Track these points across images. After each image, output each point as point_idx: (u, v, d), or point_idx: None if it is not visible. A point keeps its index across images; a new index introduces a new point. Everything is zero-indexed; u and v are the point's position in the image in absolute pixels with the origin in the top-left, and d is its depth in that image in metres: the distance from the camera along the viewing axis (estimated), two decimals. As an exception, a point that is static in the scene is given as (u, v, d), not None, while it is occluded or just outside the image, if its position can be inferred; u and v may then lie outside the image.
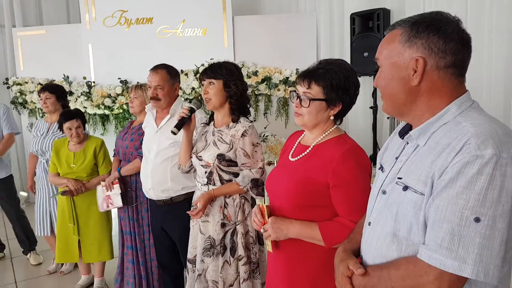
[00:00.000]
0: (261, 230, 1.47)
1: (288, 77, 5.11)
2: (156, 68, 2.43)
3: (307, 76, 1.42)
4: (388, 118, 3.55)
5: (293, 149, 1.55)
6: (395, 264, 1.00)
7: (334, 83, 1.40)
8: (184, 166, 2.19)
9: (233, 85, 2.02)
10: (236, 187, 2.03)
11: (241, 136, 2.00)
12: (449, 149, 0.92)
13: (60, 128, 2.88)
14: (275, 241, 1.49)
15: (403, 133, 1.10)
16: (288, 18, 5.33)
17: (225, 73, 2.03)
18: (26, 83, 5.38)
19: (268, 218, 1.46)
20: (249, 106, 2.13)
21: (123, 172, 2.74)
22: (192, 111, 2.08)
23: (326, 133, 1.47)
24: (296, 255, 1.46)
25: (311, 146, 1.47)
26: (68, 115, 2.85)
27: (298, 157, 1.49)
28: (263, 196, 2.05)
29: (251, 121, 2.09)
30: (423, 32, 0.98)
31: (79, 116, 2.88)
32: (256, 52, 5.20)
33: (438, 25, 0.97)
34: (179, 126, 2.04)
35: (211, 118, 2.18)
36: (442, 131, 0.97)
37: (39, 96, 3.32)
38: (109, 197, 2.75)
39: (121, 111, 5.32)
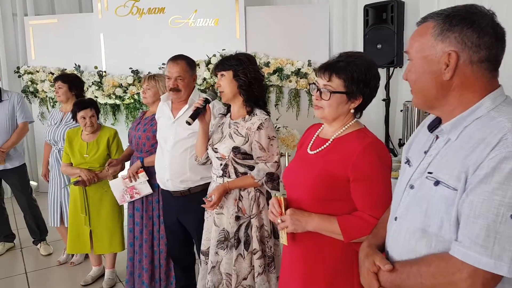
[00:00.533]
0: (278, 221, 1.45)
1: (300, 69, 5.07)
2: (176, 59, 2.40)
3: (328, 68, 1.40)
4: (401, 111, 3.51)
5: (311, 142, 1.53)
6: (426, 260, 0.98)
7: (355, 76, 1.38)
8: (200, 158, 2.18)
9: (241, 74, 2.00)
10: (251, 180, 2.02)
11: (257, 129, 1.98)
12: (484, 144, 0.90)
13: (74, 117, 2.88)
14: (292, 234, 1.47)
15: (432, 127, 1.08)
16: (300, 9, 5.28)
17: (234, 63, 2.02)
18: (37, 72, 5.40)
19: (285, 210, 1.44)
20: (265, 96, 2.11)
21: (146, 163, 2.71)
22: (207, 101, 2.07)
23: (346, 127, 1.45)
24: (313, 249, 1.45)
25: (331, 139, 1.45)
26: (82, 104, 2.84)
27: (317, 150, 1.47)
28: (278, 190, 2.04)
29: (268, 114, 2.06)
30: (457, 26, 0.95)
31: (93, 105, 2.87)
32: (268, 43, 5.17)
33: (472, 18, 0.94)
34: (194, 116, 2.04)
35: (228, 109, 2.17)
36: (476, 125, 0.95)
37: (54, 85, 3.32)
38: (134, 187, 2.72)
39: (132, 101, 5.32)
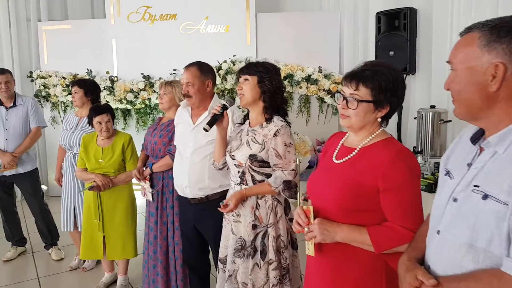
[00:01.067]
0: (305, 230, 1.43)
1: (310, 75, 5.09)
2: (188, 66, 2.44)
3: (354, 77, 1.39)
4: (415, 118, 3.50)
5: (336, 150, 1.52)
6: (475, 276, 0.96)
7: (383, 84, 1.37)
8: (217, 163, 2.19)
9: (267, 81, 2.01)
10: (268, 188, 2.00)
11: (273, 136, 1.97)
12: None
13: (90, 122, 2.90)
14: (318, 245, 1.45)
15: (475, 139, 1.06)
16: (311, 16, 5.30)
17: (260, 70, 2.03)
18: (50, 76, 5.45)
19: (313, 220, 1.43)
20: (285, 106, 2.10)
21: (155, 169, 2.74)
22: (224, 108, 2.08)
23: (373, 135, 1.44)
24: (341, 260, 1.43)
25: (358, 148, 1.44)
26: (98, 109, 2.86)
27: (344, 159, 1.46)
28: (296, 198, 2.02)
29: (286, 121, 2.05)
30: (505, 37, 0.94)
31: (109, 110, 2.89)
32: (278, 50, 5.19)
33: None
34: (211, 123, 2.05)
35: (246, 116, 2.16)
36: None
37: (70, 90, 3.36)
38: (144, 188, 2.80)
39: (142, 106, 5.35)
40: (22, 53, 5.61)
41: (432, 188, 2.69)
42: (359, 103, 1.38)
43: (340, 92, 1.45)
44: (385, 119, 1.46)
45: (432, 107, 3.40)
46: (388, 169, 1.33)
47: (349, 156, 1.45)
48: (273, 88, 2.01)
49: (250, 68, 2.05)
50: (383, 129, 1.47)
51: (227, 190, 2.25)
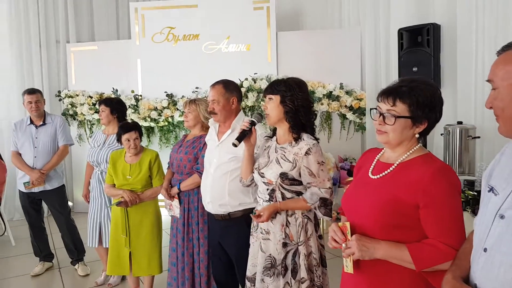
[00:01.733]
0: (342, 247, 1.41)
1: (331, 91, 5.09)
2: (214, 84, 2.49)
3: (391, 93, 1.40)
4: (441, 134, 3.44)
5: (372, 166, 1.51)
6: None
7: (420, 100, 1.37)
8: (245, 180, 2.18)
9: (289, 101, 2.00)
10: (303, 203, 1.98)
11: (305, 155, 1.95)
12: None
13: (119, 139, 2.96)
14: (356, 262, 1.42)
15: None
16: (331, 33, 5.34)
17: (283, 88, 2.02)
18: (77, 95, 5.60)
19: (350, 236, 1.41)
20: (313, 122, 2.10)
21: (183, 187, 2.77)
22: (253, 124, 2.08)
23: (411, 151, 1.43)
24: (380, 277, 1.40)
25: (396, 164, 1.43)
26: (127, 127, 2.92)
27: (381, 174, 1.44)
28: (331, 216, 2.00)
29: (316, 139, 2.04)
30: None
31: (137, 128, 2.95)
32: (299, 67, 5.21)
33: None
34: (240, 138, 2.05)
35: (274, 132, 2.17)
36: None
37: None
38: (172, 205, 2.85)
39: (166, 123, 5.44)
40: (51, 73, 5.81)
41: (463, 205, 2.64)
42: (397, 119, 1.38)
43: (376, 109, 1.45)
44: (423, 135, 1.45)
45: (459, 123, 3.34)
46: (428, 184, 1.32)
47: (386, 171, 1.44)
48: (295, 107, 2.00)
49: (273, 87, 2.05)
50: (421, 145, 1.46)
51: (249, 208, 2.25)
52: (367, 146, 4.97)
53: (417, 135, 1.42)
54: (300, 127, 2.03)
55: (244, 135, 2.06)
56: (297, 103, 2.01)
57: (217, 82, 2.50)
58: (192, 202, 2.80)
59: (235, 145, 2.04)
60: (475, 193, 2.63)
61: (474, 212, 2.53)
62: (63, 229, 3.80)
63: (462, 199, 2.67)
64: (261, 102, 4.92)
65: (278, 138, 2.11)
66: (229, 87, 2.49)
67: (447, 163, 3.33)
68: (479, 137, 3.26)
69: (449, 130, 3.29)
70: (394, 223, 1.36)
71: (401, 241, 1.35)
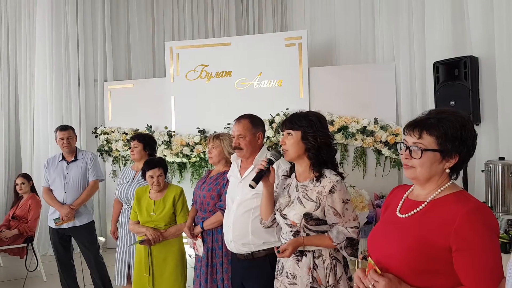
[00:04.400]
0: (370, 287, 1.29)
1: (365, 126, 4.96)
2: (240, 118, 2.44)
3: (417, 125, 1.31)
4: (482, 171, 3.22)
5: (400, 204, 1.39)
6: None
7: (449, 132, 1.27)
8: (266, 221, 2.07)
9: (311, 137, 1.89)
10: (328, 241, 1.85)
11: (329, 193, 1.83)
12: None
13: (143, 175, 2.95)
14: None
15: None
16: (365, 68, 5.27)
17: (304, 124, 1.91)
18: (113, 132, 5.75)
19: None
20: (334, 158, 1.98)
21: (206, 226, 2.70)
22: (270, 162, 1.98)
23: (442, 188, 1.31)
24: None
25: (427, 201, 1.31)
26: (151, 163, 2.92)
27: (410, 213, 1.33)
28: (357, 257, 1.86)
29: (340, 174, 1.92)
30: None
31: (161, 165, 2.93)
32: (331, 102, 5.16)
33: None
34: (257, 179, 1.94)
35: (292, 169, 2.05)
36: None
37: (130, 143, 3.48)
38: (195, 244, 2.78)
39: (198, 159, 5.45)
40: (88, 110, 6.03)
41: (506, 247, 2.41)
42: (424, 152, 1.28)
43: (402, 142, 1.35)
44: (455, 170, 1.33)
45: (501, 158, 3.13)
46: (461, 226, 1.19)
47: (416, 210, 1.33)
48: (317, 145, 1.90)
49: (293, 122, 1.94)
50: (453, 182, 1.34)
51: (273, 248, 2.13)
52: (404, 182, 4.75)
53: (447, 171, 1.31)
54: (322, 164, 1.92)
55: (262, 175, 1.95)
56: (320, 140, 1.91)
57: (243, 117, 2.45)
58: (216, 241, 2.71)
59: (252, 187, 1.95)
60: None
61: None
62: (92, 266, 3.79)
63: (505, 240, 2.45)
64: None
65: (298, 175, 2.00)
66: (255, 122, 2.44)
67: (489, 201, 3.09)
68: (524, 174, 3.02)
69: (490, 167, 3.07)
70: (425, 267, 1.24)
71: (434, 287, 1.23)
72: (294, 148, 1.92)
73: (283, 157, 2.02)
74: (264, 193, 2.02)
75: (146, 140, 3.45)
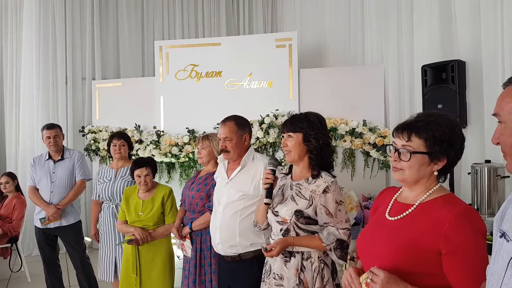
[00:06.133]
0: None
1: (354, 128, 4.99)
2: (225, 121, 2.42)
3: (406, 128, 1.32)
4: (469, 173, 3.27)
5: (389, 207, 1.40)
6: None
7: (438, 135, 1.28)
8: (262, 224, 2.08)
9: (313, 139, 1.90)
10: (318, 242, 1.85)
11: (323, 193, 1.83)
12: None
13: (131, 174, 2.94)
14: None
15: None
16: (354, 70, 5.29)
17: (305, 126, 1.91)
18: (100, 131, 5.69)
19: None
20: (332, 159, 1.99)
21: (195, 227, 2.69)
22: (274, 173, 1.97)
23: (431, 191, 1.33)
24: None
25: (416, 204, 1.32)
26: (139, 163, 2.90)
27: (399, 216, 1.34)
28: (346, 261, 1.87)
29: (334, 176, 1.93)
30: None
31: (149, 164, 2.91)
32: (321, 104, 5.15)
33: None
34: (269, 195, 1.94)
35: (290, 170, 2.06)
36: None
37: (112, 141, 3.44)
38: (183, 245, 2.77)
39: (186, 159, 5.43)
40: (76, 109, 5.95)
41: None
42: (412, 155, 1.30)
43: (391, 145, 1.36)
44: (443, 173, 1.35)
45: (487, 161, 3.17)
46: (450, 229, 1.21)
47: (405, 213, 1.34)
48: (319, 146, 1.90)
49: (294, 124, 1.93)
50: (441, 185, 1.35)
51: (260, 249, 2.13)
52: (392, 184, 4.79)
53: (436, 173, 1.32)
54: (322, 165, 1.93)
55: (272, 189, 1.96)
56: (322, 142, 1.91)
57: (228, 119, 2.43)
58: (205, 241, 2.70)
59: (268, 204, 1.95)
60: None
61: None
62: (78, 266, 3.74)
63: (491, 242, 2.48)
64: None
65: (294, 175, 2.01)
66: (241, 124, 2.42)
67: (475, 203, 3.13)
68: (508, 176, 3.07)
69: (476, 169, 3.12)
70: (415, 270, 1.25)
71: None
72: (297, 150, 1.92)
73: (284, 160, 2.02)
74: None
75: (129, 140, 3.52)
